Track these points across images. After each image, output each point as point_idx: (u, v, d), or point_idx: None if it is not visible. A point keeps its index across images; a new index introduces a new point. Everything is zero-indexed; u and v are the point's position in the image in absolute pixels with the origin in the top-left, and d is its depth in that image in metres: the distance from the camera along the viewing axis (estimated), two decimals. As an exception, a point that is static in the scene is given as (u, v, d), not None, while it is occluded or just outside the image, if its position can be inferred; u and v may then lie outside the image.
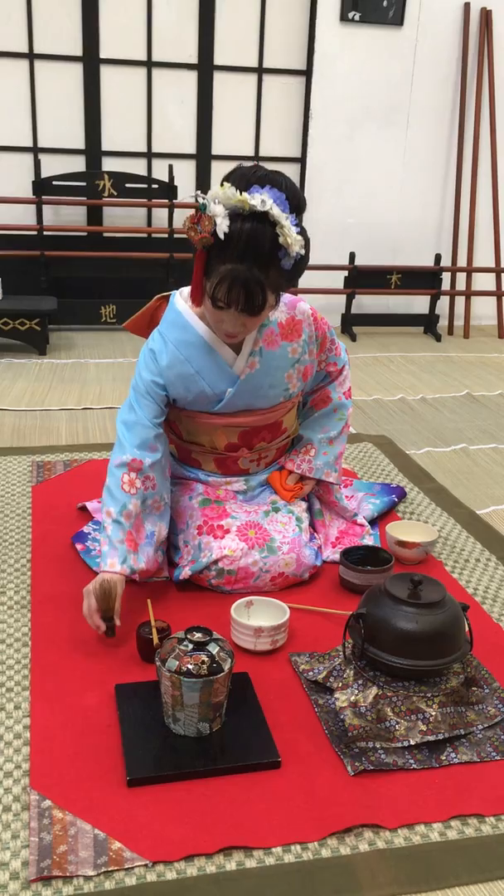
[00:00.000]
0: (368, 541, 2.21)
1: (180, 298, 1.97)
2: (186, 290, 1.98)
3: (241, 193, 1.67)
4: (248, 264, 1.70)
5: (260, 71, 4.69)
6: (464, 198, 4.97)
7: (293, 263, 1.74)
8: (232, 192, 1.67)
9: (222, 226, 1.67)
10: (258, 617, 1.84)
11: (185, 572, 1.99)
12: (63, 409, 3.34)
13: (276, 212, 1.67)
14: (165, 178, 4.53)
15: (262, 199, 1.66)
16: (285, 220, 1.68)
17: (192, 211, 1.70)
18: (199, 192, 1.73)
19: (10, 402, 3.39)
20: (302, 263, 1.77)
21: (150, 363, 1.95)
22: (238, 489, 2.13)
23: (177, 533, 2.08)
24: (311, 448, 2.17)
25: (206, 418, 2.02)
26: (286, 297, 1.99)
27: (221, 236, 1.67)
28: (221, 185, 1.70)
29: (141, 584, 2.02)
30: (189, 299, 1.94)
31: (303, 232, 1.75)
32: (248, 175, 1.72)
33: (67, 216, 4.66)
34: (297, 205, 1.74)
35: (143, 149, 4.69)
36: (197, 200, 1.70)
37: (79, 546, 2.15)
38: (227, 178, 1.73)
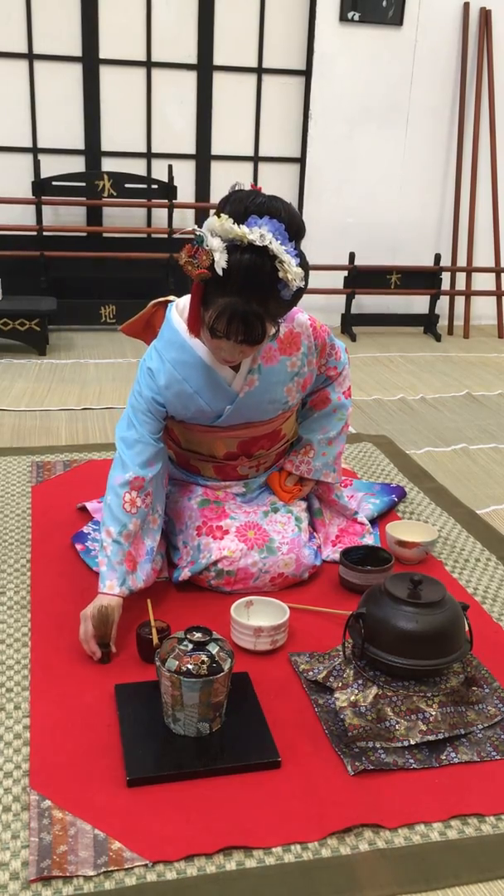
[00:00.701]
0: (368, 540, 2.21)
1: (177, 314, 1.92)
2: (182, 301, 1.94)
3: (238, 227, 1.60)
4: (247, 297, 1.65)
5: (259, 71, 4.69)
6: (463, 197, 4.97)
7: (292, 294, 1.70)
8: (230, 224, 1.60)
9: (220, 261, 1.61)
10: (258, 617, 1.84)
11: (184, 573, 1.99)
12: (63, 409, 3.34)
13: (276, 247, 1.61)
14: (165, 179, 4.53)
15: (260, 234, 1.60)
16: (284, 254, 1.62)
17: (188, 244, 1.67)
18: (196, 226, 1.68)
19: (10, 402, 3.39)
20: (301, 292, 1.72)
21: (149, 381, 1.91)
22: (237, 492, 2.13)
23: (176, 533, 2.08)
24: (311, 449, 2.17)
25: (205, 431, 2.02)
26: None
27: (220, 272, 1.62)
28: (218, 215, 1.63)
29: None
30: (183, 316, 1.89)
31: (302, 261, 1.69)
32: (246, 202, 1.64)
33: (67, 216, 4.66)
34: (296, 232, 1.67)
35: (143, 149, 4.69)
36: (195, 233, 1.65)
37: (78, 546, 2.15)
38: (223, 205, 1.67)
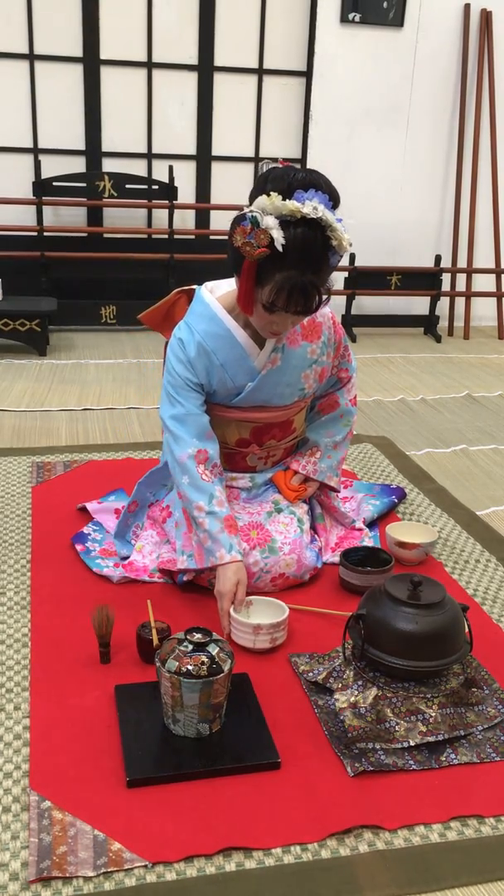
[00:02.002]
0: (368, 542, 2.21)
1: (207, 292, 1.99)
2: (212, 284, 2.00)
3: (290, 202, 1.68)
4: (303, 269, 1.72)
5: (260, 72, 4.69)
6: (464, 199, 4.97)
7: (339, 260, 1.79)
8: (280, 202, 1.68)
9: (279, 238, 1.68)
10: (257, 615, 1.84)
11: (188, 574, 1.99)
12: (63, 409, 3.34)
13: (328, 216, 1.70)
14: (165, 179, 4.54)
15: (313, 207, 1.68)
16: (335, 222, 1.71)
17: (240, 226, 1.71)
18: (246, 206, 1.74)
19: (11, 402, 3.39)
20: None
21: (179, 353, 1.95)
22: (243, 486, 2.12)
23: (167, 542, 2.09)
24: (317, 450, 2.18)
25: (222, 411, 2.03)
26: None
27: (280, 248, 1.68)
28: (268, 194, 1.69)
29: (141, 584, 2.03)
30: (215, 295, 1.97)
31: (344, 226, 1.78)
32: (288, 179, 1.71)
33: (67, 217, 4.66)
34: (336, 200, 1.76)
35: (144, 150, 4.69)
36: (247, 215, 1.70)
37: (79, 547, 2.15)
38: (264, 184, 1.73)
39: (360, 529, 2.25)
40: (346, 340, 2.15)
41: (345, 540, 2.22)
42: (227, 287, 2.00)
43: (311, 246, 1.71)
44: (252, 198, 1.76)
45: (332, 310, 2.07)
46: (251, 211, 1.70)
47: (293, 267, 1.72)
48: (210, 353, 1.93)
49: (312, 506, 2.24)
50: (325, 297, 1.80)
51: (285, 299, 1.75)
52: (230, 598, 1.83)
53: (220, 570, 1.86)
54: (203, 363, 1.94)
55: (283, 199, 1.68)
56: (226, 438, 2.08)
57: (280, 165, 1.77)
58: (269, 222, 1.68)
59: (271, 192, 1.69)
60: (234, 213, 1.75)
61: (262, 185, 1.74)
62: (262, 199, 1.69)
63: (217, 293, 1.99)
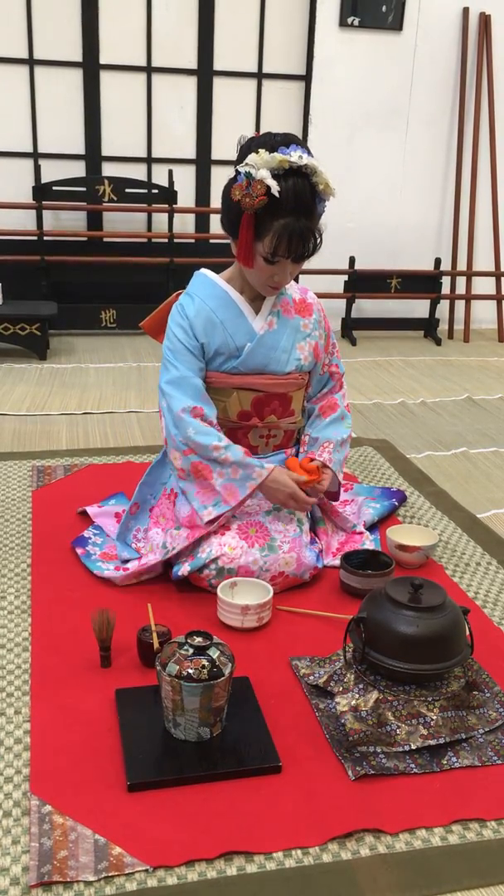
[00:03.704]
0: (369, 545, 2.21)
1: (205, 270, 2.14)
2: (207, 270, 2.15)
3: (277, 154, 1.84)
4: (297, 215, 1.88)
5: (259, 76, 4.70)
6: (463, 201, 4.98)
7: (325, 206, 1.95)
8: (269, 155, 1.85)
9: (274, 186, 1.83)
10: (243, 596, 1.91)
11: (184, 569, 2.00)
12: (63, 413, 3.34)
13: (312, 162, 1.87)
14: (165, 183, 4.54)
15: (298, 155, 1.85)
16: (319, 168, 1.88)
17: (236, 184, 1.87)
18: (237, 165, 1.90)
19: (11, 406, 3.39)
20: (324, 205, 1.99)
21: (180, 318, 2.05)
22: None
23: (178, 528, 2.08)
24: (329, 443, 2.20)
25: (224, 378, 2.07)
26: (296, 284, 2.18)
27: (277, 195, 1.84)
28: (257, 152, 1.85)
29: (142, 587, 2.03)
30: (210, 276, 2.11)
31: None
32: (270, 141, 1.89)
33: (67, 221, 4.67)
34: (312, 155, 1.92)
35: (143, 154, 4.70)
36: (241, 172, 1.86)
37: (79, 550, 2.15)
38: (249, 149, 1.90)
39: (360, 533, 2.25)
40: (333, 337, 2.26)
41: (346, 545, 2.22)
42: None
43: (302, 192, 1.87)
44: (238, 162, 1.91)
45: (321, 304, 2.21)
46: (244, 166, 1.86)
47: (289, 214, 1.87)
48: (210, 311, 2.05)
49: (312, 510, 2.24)
50: (319, 241, 1.95)
51: (286, 245, 1.89)
52: (295, 492, 2.00)
53: (266, 483, 2.00)
54: (203, 321, 2.04)
55: (271, 154, 1.85)
56: (227, 412, 2.11)
57: (256, 135, 1.95)
58: (263, 174, 1.84)
59: (259, 150, 1.86)
60: (221, 206, 1.85)
61: (247, 149, 1.91)
62: (252, 156, 1.86)
63: (212, 275, 2.13)
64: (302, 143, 1.91)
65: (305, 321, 2.14)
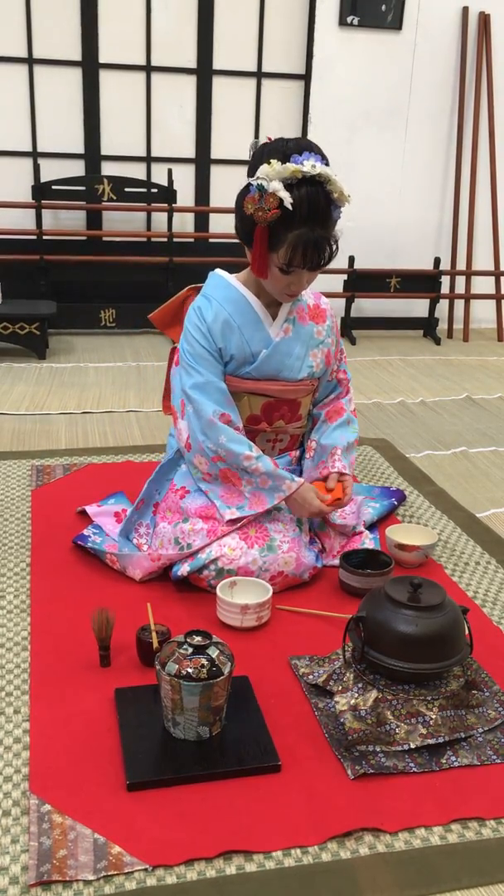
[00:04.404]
0: (369, 544, 2.21)
1: (220, 271, 2.11)
2: (221, 271, 2.12)
3: (290, 165, 1.81)
4: (312, 225, 1.85)
5: (259, 75, 4.69)
6: (463, 201, 4.98)
7: (341, 212, 1.93)
8: (281, 166, 1.82)
9: (287, 198, 1.81)
10: (243, 595, 1.91)
11: (183, 569, 1.99)
12: (63, 413, 3.34)
13: (326, 171, 1.83)
14: (165, 183, 4.54)
15: (311, 164, 1.82)
16: (333, 176, 1.85)
17: (248, 196, 1.85)
18: (249, 177, 1.88)
19: (10, 406, 3.39)
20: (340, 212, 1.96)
21: (198, 321, 2.04)
22: None
23: (186, 520, 2.08)
24: (337, 449, 2.21)
25: (237, 382, 2.08)
26: (311, 290, 2.16)
27: (290, 207, 1.81)
28: (269, 163, 1.82)
29: (141, 586, 2.03)
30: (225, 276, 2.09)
31: None
32: (282, 148, 1.85)
33: (67, 220, 4.66)
34: (327, 162, 1.88)
35: (143, 153, 4.70)
36: (253, 184, 1.84)
37: (80, 543, 2.15)
38: (261, 158, 1.86)
39: (359, 533, 2.25)
40: (341, 344, 2.26)
41: (347, 546, 2.22)
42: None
43: (316, 201, 1.84)
44: (251, 172, 1.88)
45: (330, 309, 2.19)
46: (256, 178, 1.83)
47: (303, 224, 1.85)
48: (228, 316, 2.03)
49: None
50: (335, 249, 1.93)
51: (301, 256, 1.88)
52: (320, 510, 2.03)
53: (295, 496, 2.02)
54: (221, 325, 2.03)
55: (283, 164, 1.82)
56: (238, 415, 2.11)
57: (269, 140, 1.92)
58: (275, 186, 1.81)
59: (271, 161, 1.83)
60: (233, 216, 1.81)
61: (259, 157, 1.88)
62: (263, 167, 1.83)
63: (226, 275, 2.11)
64: (316, 148, 1.88)
65: (319, 328, 2.14)
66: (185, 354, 2.05)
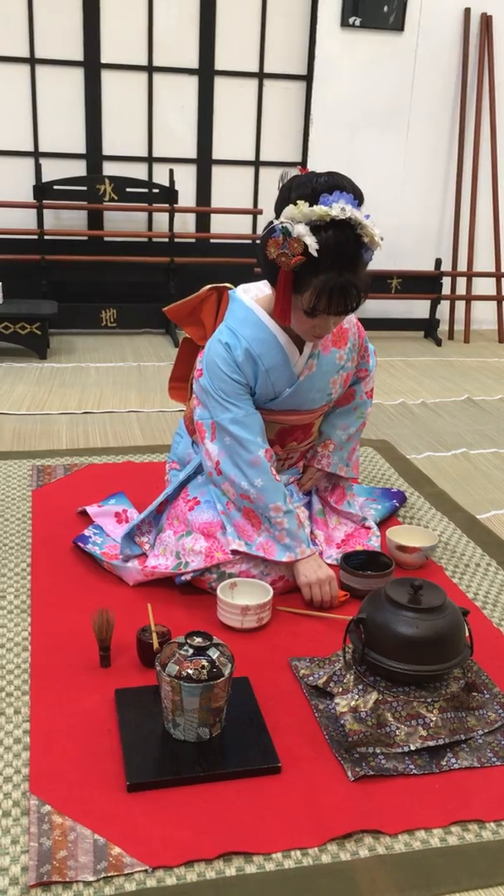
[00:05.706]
0: (374, 542, 2.21)
1: (245, 295, 2.00)
2: (245, 286, 2.03)
3: (318, 207, 1.70)
4: (339, 270, 1.75)
5: (261, 76, 4.69)
6: (464, 202, 4.98)
7: (372, 255, 1.82)
8: (308, 208, 1.71)
9: (312, 245, 1.71)
10: (243, 597, 1.91)
11: (186, 574, 1.99)
12: (63, 413, 3.34)
13: (356, 215, 1.72)
14: (166, 183, 4.54)
15: (341, 208, 1.70)
16: (364, 220, 1.73)
17: (271, 239, 1.74)
18: (274, 220, 1.77)
19: (11, 405, 3.39)
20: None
21: (227, 358, 1.94)
22: None
23: (189, 534, 2.08)
24: (330, 443, 2.20)
25: None
26: None
27: (315, 254, 1.71)
28: (294, 203, 1.72)
29: (142, 587, 2.02)
30: (251, 295, 1.98)
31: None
32: (312, 185, 1.74)
33: (68, 220, 4.66)
34: (361, 199, 1.77)
35: (144, 153, 4.70)
36: (277, 227, 1.74)
37: (80, 544, 2.15)
38: (288, 194, 1.76)
39: (368, 527, 2.25)
40: (367, 342, 2.20)
41: (352, 538, 2.22)
42: (256, 291, 2.02)
43: (344, 246, 1.73)
44: (278, 209, 1.78)
45: (355, 315, 2.09)
46: (281, 222, 1.73)
47: (330, 269, 1.74)
48: (256, 358, 1.95)
49: (312, 501, 2.24)
50: (364, 294, 1.81)
51: (326, 302, 1.78)
52: (327, 582, 1.94)
53: (303, 562, 1.96)
54: (250, 368, 1.96)
55: (311, 206, 1.71)
56: None
57: (300, 173, 1.79)
58: (300, 230, 1.71)
59: (298, 201, 1.72)
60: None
61: (286, 194, 1.77)
62: (290, 209, 1.72)
63: (251, 294, 2.00)
64: (349, 186, 1.75)
65: (341, 352, 2.06)
66: (219, 392, 1.95)
